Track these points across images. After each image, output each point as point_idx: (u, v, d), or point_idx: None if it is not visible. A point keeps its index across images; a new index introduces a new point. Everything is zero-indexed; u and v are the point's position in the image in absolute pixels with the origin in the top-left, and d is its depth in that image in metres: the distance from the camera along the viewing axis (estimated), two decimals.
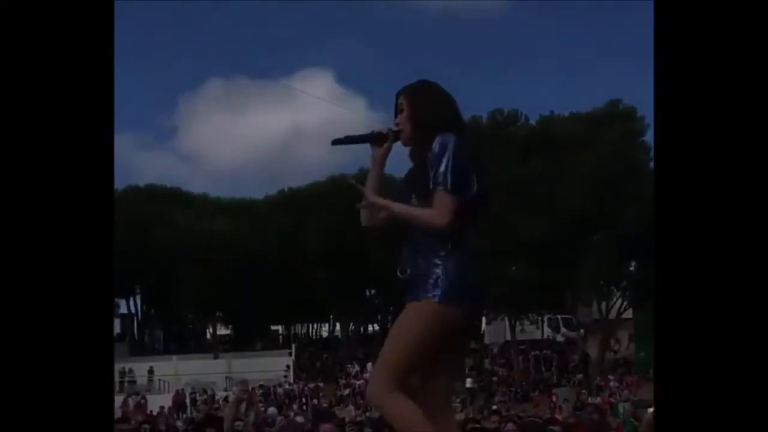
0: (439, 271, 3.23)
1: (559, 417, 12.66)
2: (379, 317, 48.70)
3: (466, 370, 36.77)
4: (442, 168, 3.22)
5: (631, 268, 37.73)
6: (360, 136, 3.51)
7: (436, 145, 3.25)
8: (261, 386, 33.53)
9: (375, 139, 3.46)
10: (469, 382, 33.78)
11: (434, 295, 3.19)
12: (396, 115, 3.47)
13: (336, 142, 3.51)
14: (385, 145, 3.46)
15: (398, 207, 3.34)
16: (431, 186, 3.22)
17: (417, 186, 3.32)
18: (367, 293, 47.01)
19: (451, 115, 3.42)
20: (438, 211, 3.22)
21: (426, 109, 3.40)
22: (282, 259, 41.87)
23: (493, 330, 43.66)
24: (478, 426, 8.90)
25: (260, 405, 27.53)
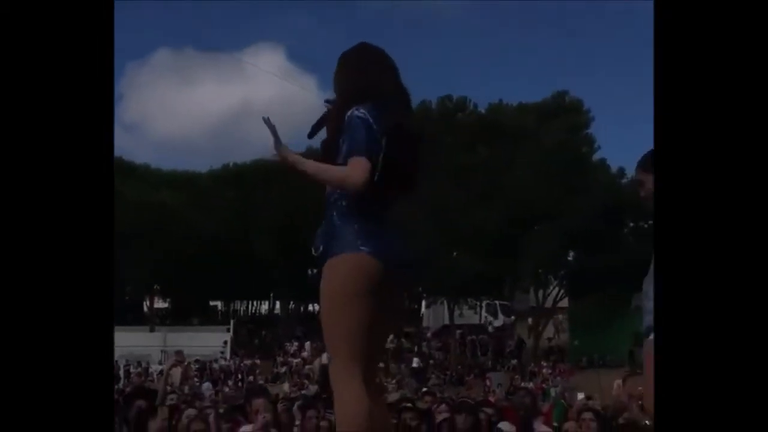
0: (341, 230, 3.13)
1: (492, 400, 12.84)
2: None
3: (404, 352, 37.06)
4: (357, 138, 3.12)
5: (570, 258, 38.34)
6: (321, 119, 3.39)
7: (348, 119, 3.17)
8: (197, 361, 33.29)
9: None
10: (415, 362, 34.08)
11: (340, 248, 3.09)
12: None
13: (311, 135, 3.41)
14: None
15: (310, 165, 3.23)
16: (347, 155, 3.12)
17: (330, 156, 3.23)
18: (310, 272, 46.90)
19: (371, 83, 3.28)
20: (352, 170, 3.10)
21: (348, 75, 3.32)
22: (225, 234, 41.52)
23: (432, 314, 44.01)
24: (410, 406, 8.97)
25: (195, 380, 27.37)
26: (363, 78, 3.30)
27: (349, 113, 3.18)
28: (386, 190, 3.20)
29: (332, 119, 3.31)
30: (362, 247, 3.08)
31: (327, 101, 3.36)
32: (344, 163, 3.13)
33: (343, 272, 3.09)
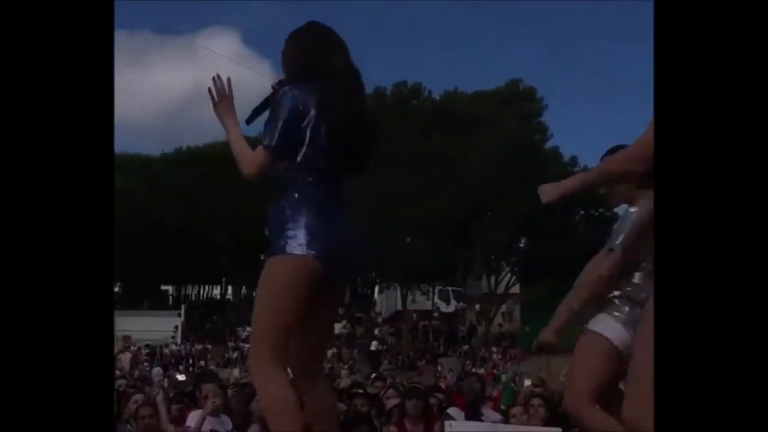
0: (288, 220, 3.09)
1: (443, 386, 12.92)
2: None
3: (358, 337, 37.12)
4: (274, 124, 3.11)
5: (521, 246, 38.70)
6: (263, 102, 3.34)
7: (278, 98, 3.15)
8: (147, 346, 32.96)
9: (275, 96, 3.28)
10: (374, 345, 34.16)
11: (281, 247, 3.06)
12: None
13: (250, 120, 3.36)
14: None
15: (235, 134, 3.28)
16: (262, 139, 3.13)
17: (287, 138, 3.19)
18: (262, 257, 46.63)
19: (318, 62, 3.24)
20: (249, 161, 3.17)
21: (292, 55, 3.30)
22: (176, 219, 41.12)
23: (385, 299, 44.15)
24: (361, 391, 8.99)
25: (145, 364, 27.09)
26: (310, 56, 3.26)
27: (282, 91, 3.15)
28: (335, 170, 3.17)
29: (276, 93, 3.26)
30: (309, 250, 3.04)
31: (276, 84, 3.29)
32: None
33: (285, 275, 3.06)
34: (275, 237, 3.12)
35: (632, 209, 3.94)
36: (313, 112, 3.12)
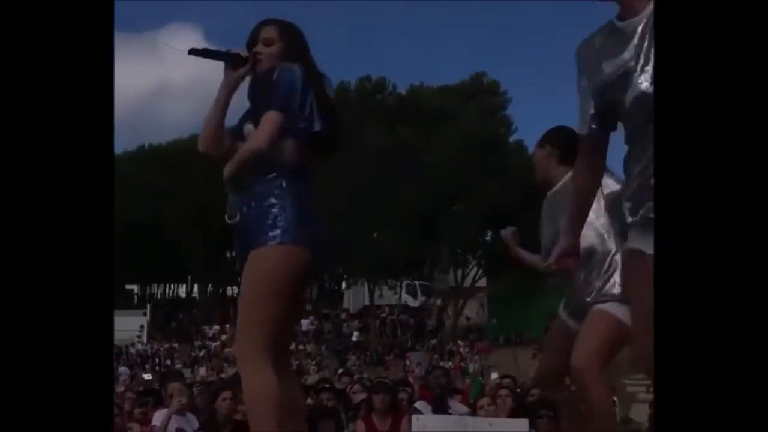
0: (276, 211, 3.05)
1: (411, 380, 12.96)
2: (239, 279, 48.06)
3: (325, 333, 37.12)
4: (281, 92, 3.07)
5: (487, 238, 38.87)
6: (218, 51, 3.30)
7: (280, 72, 3.12)
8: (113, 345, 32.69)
9: (232, 60, 3.27)
10: (355, 336, 34.19)
11: (273, 236, 3.02)
12: (254, 43, 3.30)
13: (193, 52, 3.28)
14: (241, 70, 3.27)
15: (247, 146, 3.15)
16: (263, 110, 3.07)
17: (254, 117, 3.17)
18: (228, 255, 46.44)
19: (309, 59, 3.29)
20: (257, 133, 3.07)
21: (297, 50, 3.28)
22: (140, 217, 40.74)
23: (352, 295, 44.11)
24: (328, 386, 8.97)
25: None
26: (301, 44, 3.30)
27: (278, 68, 3.13)
28: (308, 159, 3.17)
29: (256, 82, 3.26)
30: (298, 240, 3.02)
31: (252, 54, 3.27)
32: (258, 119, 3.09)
33: (272, 267, 3.03)
34: (258, 228, 3.07)
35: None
36: (313, 91, 3.15)
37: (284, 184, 3.08)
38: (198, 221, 39.10)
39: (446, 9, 67.74)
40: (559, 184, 4.15)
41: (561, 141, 4.11)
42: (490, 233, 38.77)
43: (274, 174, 3.10)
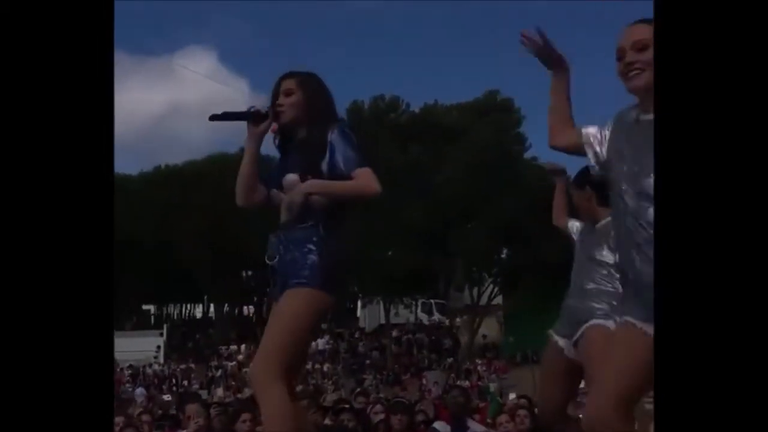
0: (313, 257, 3.27)
1: (427, 399, 12.89)
2: (255, 299, 48.26)
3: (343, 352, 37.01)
4: (353, 153, 3.29)
5: (503, 256, 38.72)
6: (238, 113, 3.46)
7: (338, 133, 3.32)
8: (130, 366, 32.72)
9: (253, 117, 3.42)
10: (372, 355, 33.91)
11: (308, 281, 3.24)
12: (276, 96, 3.44)
13: (213, 117, 3.45)
14: (263, 125, 3.42)
15: (327, 186, 3.31)
16: (346, 169, 3.26)
17: (315, 173, 3.31)
18: (244, 275, 46.49)
19: (333, 107, 3.51)
20: (368, 182, 3.27)
21: (319, 98, 3.46)
22: (157, 237, 40.84)
23: (368, 314, 44.04)
24: (347, 407, 8.93)
25: (128, 385, 26.88)
26: (330, 101, 3.51)
27: (334, 131, 3.32)
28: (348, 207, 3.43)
29: (289, 129, 3.46)
30: (326, 286, 3.25)
31: (270, 109, 3.44)
32: (337, 178, 3.27)
33: (306, 306, 3.26)
34: (294, 270, 3.29)
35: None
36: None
37: (321, 233, 3.30)
38: (214, 241, 39.17)
39: (459, 28, 67.89)
40: (603, 222, 4.26)
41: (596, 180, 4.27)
42: (505, 250, 38.64)
43: (312, 222, 3.31)
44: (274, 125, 3.44)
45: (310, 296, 3.25)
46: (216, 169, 36.56)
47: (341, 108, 3.78)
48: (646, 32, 2.68)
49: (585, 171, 4.35)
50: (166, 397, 16.18)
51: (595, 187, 4.25)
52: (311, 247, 3.28)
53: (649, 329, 2.53)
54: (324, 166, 3.28)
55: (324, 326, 37.64)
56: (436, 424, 7.55)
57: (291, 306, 3.28)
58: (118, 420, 7.86)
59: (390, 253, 36.69)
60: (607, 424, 2.62)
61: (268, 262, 3.36)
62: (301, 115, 3.41)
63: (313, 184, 3.28)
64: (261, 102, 3.52)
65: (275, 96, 3.45)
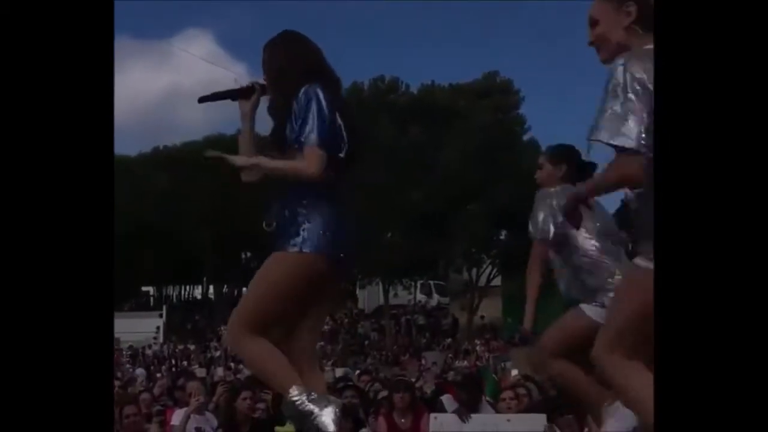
0: (302, 219, 3.21)
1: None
2: None
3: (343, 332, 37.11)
4: (309, 122, 3.17)
5: (501, 237, 38.74)
6: (226, 91, 3.45)
7: (301, 97, 3.20)
8: (130, 347, 32.80)
9: (241, 93, 3.41)
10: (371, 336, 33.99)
11: (294, 243, 3.18)
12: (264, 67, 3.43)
13: (202, 99, 3.46)
14: (253, 99, 3.40)
15: (267, 162, 3.29)
16: (300, 140, 3.18)
17: (281, 140, 3.27)
18: (243, 256, 46.51)
19: (311, 64, 3.36)
20: (308, 162, 3.18)
21: (284, 59, 3.36)
22: (156, 218, 40.84)
23: (367, 295, 44.11)
24: (351, 384, 9.01)
25: (128, 366, 26.94)
26: (299, 59, 3.35)
27: (302, 91, 3.20)
28: (340, 174, 3.30)
29: (278, 106, 3.35)
30: (321, 250, 3.18)
31: (250, 84, 3.41)
32: (298, 145, 3.18)
33: (288, 271, 3.19)
34: (287, 234, 3.22)
35: (547, 193, 4.52)
36: (334, 110, 3.26)
37: (312, 199, 3.24)
38: (213, 222, 39.18)
39: (458, 9, 67.60)
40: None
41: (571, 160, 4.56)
42: (504, 232, 38.64)
43: (305, 189, 3.24)
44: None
45: (295, 261, 3.18)
46: (213, 150, 36.42)
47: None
48: (592, 8, 2.90)
49: (566, 147, 4.66)
50: (165, 380, 16.18)
51: (570, 166, 4.52)
52: (303, 211, 3.22)
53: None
54: (288, 131, 3.23)
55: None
56: (444, 398, 7.58)
57: (269, 268, 3.24)
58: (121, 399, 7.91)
59: (389, 234, 36.71)
60: (600, 364, 2.69)
61: (265, 228, 3.32)
62: (270, 81, 3.38)
63: (256, 161, 3.27)
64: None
65: (263, 66, 3.44)
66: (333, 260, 3.23)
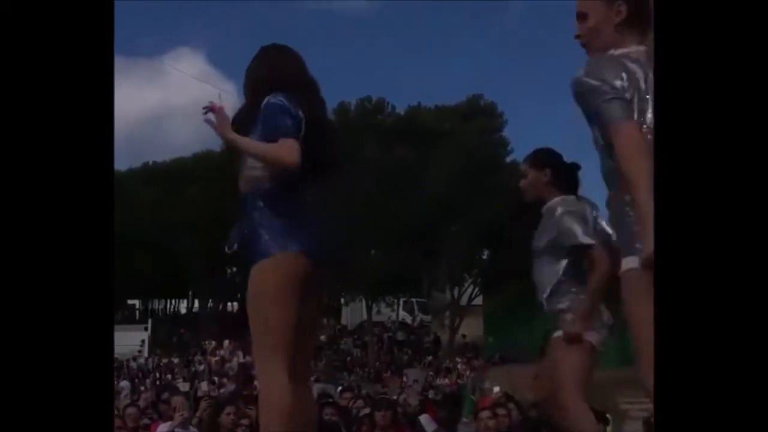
0: (262, 230, 3.17)
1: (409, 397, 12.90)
2: (239, 295, 48.09)
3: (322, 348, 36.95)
4: (280, 123, 3.15)
5: (484, 257, 38.78)
6: (210, 121, 3.28)
7: (265, 107, 3.20)
8: (114, 360, 32.49)
9: (211, 110, 3.27)
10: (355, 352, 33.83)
11: (262, 251, 3.15)
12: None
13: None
14: (221, 115, 3.27)
15: (247, 143, 3.22)
16: (267, 141, 3.15)
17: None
18: (228, 271, 46.31)
19: (285, 74, 3.35)
20: (286, 151, 3.13)
21: (259, 70, 3.38)
22: (143, 232, 40.63)
23: (350, 311, 43.97)
24: (331, 400, 8.97)
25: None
26: (273, 70, 3.36)
27: (264, 101, 3.20)
28: (306, 175, 3.23)
29: (243, 112, 3.35)
30: (290, 246, 3.12)
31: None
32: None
33: (271, 276, 3.13)
34: (252, 248, 3.19)
35: (552, 207, 4.31)
36: (294, 114, 3.20)
37: (261, 204, 3.21)
38: (199, 238, 39.01)
39: (444, 31, 67.97)
40: (549, 204, 4.35)
41: (554, 163, 4.38)
42: (486, 252, 38.70)
43: (253, 197, 3.24)
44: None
45: (270, 265, 3.14)
46: (202, 167, 36.43)
47: (328, 109, 3.69)
48: (580, 2, 2.85)
49: (546, 151, 4.47)
50: (149, 394, 16.06)
51: (554, 169, 4.33)
52: (258, 218, 3.20)
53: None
54: (255, 138, 3.20)
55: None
56: (422, 418, 7.60)
57: (256, 282, 3.18)
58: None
59: (373, 252, 36.69)
60: (574, 415, 2.65)
61: (227, 251, 3.31)
62: (247, 94, 3.38)
63: (233, 137, 3.19)
64: None
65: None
66: (311, 254, 3.18)
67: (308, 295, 3.23)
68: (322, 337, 38.54)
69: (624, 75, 2.61)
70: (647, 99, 2.59)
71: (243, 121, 3.29)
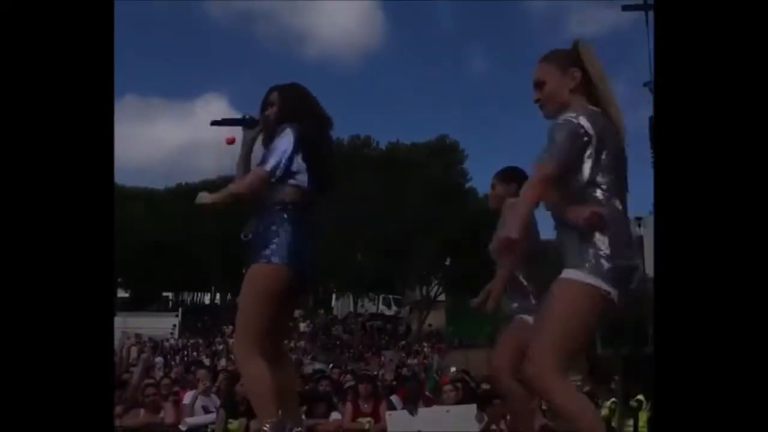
0: (272, 234, 3.06)
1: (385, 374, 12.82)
2: None
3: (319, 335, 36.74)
4: (273, 152, 3.07)
5: (447, 263, 38.90)
6: (235, 119, 3.34)
7: (279, 132, 3.13)
8: (151, 339, 32.09)
9: (247, 123, 3.31)
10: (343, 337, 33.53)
11: (264, 255, 3.04)
12: (264, 107, 3.30)
13: (214, 123, 3.32)
14: (254, 131, 3.30)
15: (227, 189, 3.15)
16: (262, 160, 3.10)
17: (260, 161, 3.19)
18: (243, 270, 45.82)
19: (305, 109, 3.25)
20: (244, 181, 3.10)
21: (290, 104, 3.26)
22: (176, 238, 40.39)
23: (340, 305, 43.88)
24: (326, 375, 8.91)
25: (145, 354, 26.42)
26: (300, 105, 3.27)
27: (281, 128, 3.14)
28: (306, 198, 3.16)
29: (266, 129, 3.27)
30: (288, 261, 3.02)
31: (263, 116, 3.28)
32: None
33: (264, 281, 3.04)
34: (259, 246, 3.08)
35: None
36: (306, 146, 3.13)
37: (285, 216, 3.10)
38: (220, 243, 38.80)
39: (417, 82, 67.95)
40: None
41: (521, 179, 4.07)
42: (449, 259, 38.80)
43: (278, 207, 3.12)
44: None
45: (267, 270, 3.02)
46: (224, 186, 36.15)
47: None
48: (538, 71, 2.63)
49: (515, 169, 4.15)
50: (179, 369, 15.82)
51: (520, 185, 3.83)
52: (274, 227, 3.07)
53: (589, 279, 2.25)
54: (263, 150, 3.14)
55: (302, 313, 37.42)
56: (392, 398, 7.57)
57: (251, 283, 3.06)
58: (146, 382, 7.77)
59: (360, 258, 36.67)
60: (539, 385, 2.30)
61: (242, 238, 3.17)
62: (277, 120, 3.24)
63: (220, 194, 3.12)
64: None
65: (264, 105, 3.31)
66: (297, 272, 3.07)
67: (288, 300, 3.17)
68: (314, 324, 38.33)
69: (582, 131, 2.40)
70: (601, 153, 2.40)
71: (265, 145, 3.23)
